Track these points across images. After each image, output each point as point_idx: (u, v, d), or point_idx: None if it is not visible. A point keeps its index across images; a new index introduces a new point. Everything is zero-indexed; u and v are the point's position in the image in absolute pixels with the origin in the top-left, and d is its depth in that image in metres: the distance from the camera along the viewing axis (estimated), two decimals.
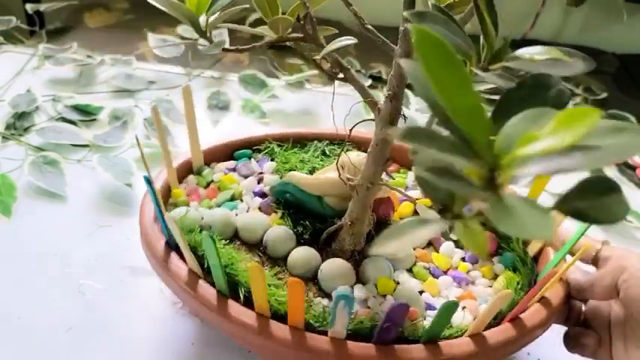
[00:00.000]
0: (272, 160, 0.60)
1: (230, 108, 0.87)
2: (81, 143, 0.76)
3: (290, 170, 0.58)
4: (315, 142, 0.63)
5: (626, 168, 0.88)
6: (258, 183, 0.58)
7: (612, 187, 0.24)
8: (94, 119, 0.81)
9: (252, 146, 0.62)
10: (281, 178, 0.57)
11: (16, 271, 0.59)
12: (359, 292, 0.48)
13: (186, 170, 0.59)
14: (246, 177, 0.58)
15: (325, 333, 0.44)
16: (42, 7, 1.05)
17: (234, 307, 0.44)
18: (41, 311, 0.55)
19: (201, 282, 0.46)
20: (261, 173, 0.59)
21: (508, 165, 0.23)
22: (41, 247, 0.61)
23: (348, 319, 0.41)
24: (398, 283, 0.50)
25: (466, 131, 0.23)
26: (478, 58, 0.34)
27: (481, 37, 0.34)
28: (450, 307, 0.42)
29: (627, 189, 0.85)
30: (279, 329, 0.43)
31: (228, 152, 0.61)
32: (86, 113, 0.82)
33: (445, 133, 0.24)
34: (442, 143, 0.22)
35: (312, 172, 0.58)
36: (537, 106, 0.26)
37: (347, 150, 0.54)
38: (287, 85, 0.93)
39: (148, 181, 0.46)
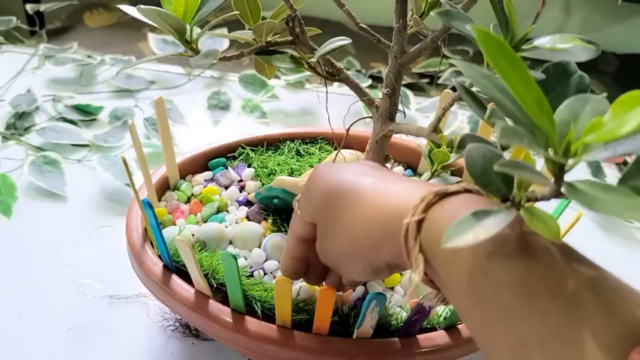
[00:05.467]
0: (249, 165, 0.59)
1: (230, 108, 0.87)
2: (81, 143, 0.76)
3: (269, 175, 0.57)
4: (288, 142, 0.62)
5: (625, 167, 0.88)
6: (241, 191, 0.56)
7: None
8: (94, 119, 0.82)
9: (225, 154, 0.60)
10: (262, 183, 0.56)
11: (16, 271, 0.59)
12: (369, 288, 0.48)
13: (163, 186, 0.56)
14: (226, 187, 0.57)
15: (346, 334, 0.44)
16: (42, 7, 1.05)
17: (255, 323, 0.43)
18: (41, 311, 0.55)
19: (211, 302, 0.45)
20: (241, 181, 0.57)
21: (579, 152, 0.24)
22: (41, 247, 0.61)
23: (377, 318, 0.41)
24: (400, 274, 0.50)
25: (536, 122, 0.24)
26: None
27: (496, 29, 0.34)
28: None
29: None
30: (306, 338, 0.43)
31: (201, 163, 0.59)
32: (86, 113, 0.82)
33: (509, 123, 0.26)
34: (526, 138, 0.24)
35: (291, 173, 0.57)
36: (564, 92, 0.27)
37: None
38: (287, 85, 0.93)
39: (149, 204, 0.43)
